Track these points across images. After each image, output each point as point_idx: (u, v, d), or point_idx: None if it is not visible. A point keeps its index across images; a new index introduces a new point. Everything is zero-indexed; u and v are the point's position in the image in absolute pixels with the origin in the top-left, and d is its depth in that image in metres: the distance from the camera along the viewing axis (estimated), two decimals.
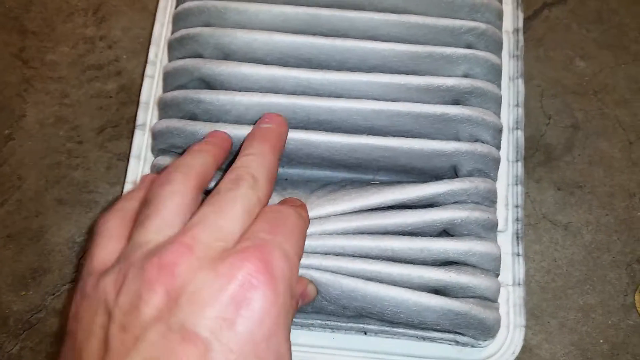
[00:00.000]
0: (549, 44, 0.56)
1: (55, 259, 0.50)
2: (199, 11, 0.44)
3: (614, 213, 0.50)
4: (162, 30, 0.50)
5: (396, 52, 0.42)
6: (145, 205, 0.29)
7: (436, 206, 0.41)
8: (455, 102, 0.42)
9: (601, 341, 0.47)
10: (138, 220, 0.28)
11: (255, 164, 0.31)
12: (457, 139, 0.42)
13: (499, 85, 0.45)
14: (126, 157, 0.48)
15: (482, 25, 0.44)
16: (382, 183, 0.43)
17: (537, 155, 0.52)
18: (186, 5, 0.45)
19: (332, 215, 0.39)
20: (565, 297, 0.48)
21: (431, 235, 0.41)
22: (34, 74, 0.56)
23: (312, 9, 0.43)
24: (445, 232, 0.41)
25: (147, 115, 0.47)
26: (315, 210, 0.39)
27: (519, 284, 0.43)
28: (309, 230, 0.38)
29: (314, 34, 0.43)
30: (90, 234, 0.50)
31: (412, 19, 0.43)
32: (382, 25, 0.43)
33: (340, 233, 0.39)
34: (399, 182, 0.42)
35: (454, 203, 0.40)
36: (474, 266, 0.39)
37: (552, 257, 0.49)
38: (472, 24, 0.43)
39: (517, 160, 0.45)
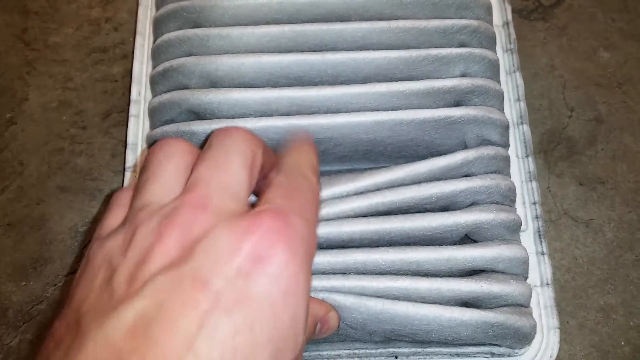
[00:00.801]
0: (573, 34, 0.55)
1: (57, 248, 0.49)
2: (180, 41, 0.44)
3: (637, 210, 0.49)
4: (142, 68, 0.49)
5: (390, 59, 0.42)
6: (141, 170, 0.28)
7: (456, 207, 0.40)
8: (457, 104, 0.42)
9: (622, 343, 0.46)
10: (136, 186, 0.28)
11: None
12: (463, 141, 0.42)
13: (499, 81, 0.44)
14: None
15: (474, 22, 0.43)
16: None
17: (558, 149, 0.51)
18: (165, 37, 0.44)
19: (346, 194, 0.39)
20: (586, 297, 0.47)
21: (453, 240, 0.40)
22: (36, 56, 0.55)
23: (297, 25, 0.43)
24: (466, 236, 0.40)
25: (136, 156, 0.46)
26: (328, 189, 0.39)
27: (547, 284, 0.42)
28: (325, 230, 0.38)
29: (302, 50, 0.42)
30: (94, 225, 0.49)
31: (401, 24, 0.43)
32: (371, 33, 0.43)
33: (359, 237, 0.38)
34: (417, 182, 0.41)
35: (473, 204, 0.40)
36: (502, 272, 0.39)
37: (573, 255, 0.48)
38: (463, 22, 0.43)
39: (527, 156, 0.45)
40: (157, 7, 0.48)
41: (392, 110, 0.41)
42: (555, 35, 0.55)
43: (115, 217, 0.27)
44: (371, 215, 0.39)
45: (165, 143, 0.29)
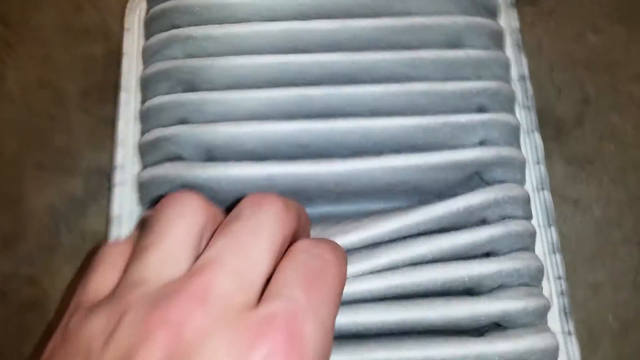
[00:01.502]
0: (560, 18, 0.56)
1: (32, 225, 0.48)
2: (172, 106, 0.40)
3: (625, 189, 0.50)
4: (127, 128, 0.44)
5: (405, 127, 0.39)
6: (144, 230, 0.24)
7: (481, 289, 0.38)
8: (477, 174, 0.40)
9: (610, 319, 0.46)
10: (136, 249, 0.24)
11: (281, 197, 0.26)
12: (484, 222, 0.39)
13: (519, 146, 0.42)
14: (111, 122, 0.46)
15: (493, 85, 0.41)
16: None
17: (546, 129, 0.51)
18: (156, 101, 0.40)
19: (361, 272, 0.36)
20: (574, 273, 0.47)
21: (478, 328, 0.38)
22: (16, 37, 0.55)
23: (303, 89, 0.39)
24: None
25: (122, 231, 0.41)
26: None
27: None
28: (338, 320, 0.33)
29: (308, 115, 0.39)
30: (71, 203, 0.49)
31: (416, 87, 0.40)
32: (383, 97, 0.39)
33: (375, 328, 0.36)
34: (440, 261, 0.38)
35: (500, 287, 0.38)
36: None
37: (561, 232, 0.48)
38: (481, 84, 0.40)
39: (549, 225, 0.42)
40: (145, 62, 0.44)
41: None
42: (543, 19, 0.56)
43: (102, 279, 0.24)
44: (388, 298, 0.36)
45: (179, 198, 0.25)
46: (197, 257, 0.23)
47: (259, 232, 0.23)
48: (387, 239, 0.37)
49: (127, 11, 0.48)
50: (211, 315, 0.20)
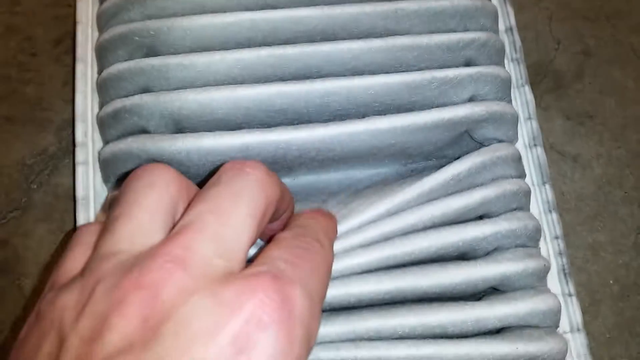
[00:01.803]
0: None
1: (2, 183, 0.45)
2: (133, 74, 0.36)
3: (626, 146, 0.48)
4: (86, 102, 0.40)
5: (389, 84, 0.36)
6: (113, 203, 0.23)
7: (476, 253, 0.36)
8: (467, 132, 0.38)
9: (611, 282, 0.45)
10: (105, 224, 0.23)
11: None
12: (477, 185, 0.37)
13: (510, 100, 0.40)
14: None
15: (482, 35, 0.38)
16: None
17: (545, 82, 0.49)
18: (114, 69, 0.37)
19: (350, 247, 0.34)
20: (574, 234, 0.45)
21: (475, 293, 0.36)
22: None
23: (276, 48, 0.36)
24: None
25: (90, 214, 0.38)
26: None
27: (578, 329, 0.38)
28: (329, 292, 0.33)
29: (282, 78, 0.36)
30: (43, 157, 0.46)
31: (399, 42, 0.37)
32: (364, 54, 0.36)
33: (368, 299, 0.34)
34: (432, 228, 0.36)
35: (496, 249, 0.36)
36: (535, 326, 0.35)
37: (560, 191, 0.46)
38: (470, 35, 0.38)
39: (544, 183, 0.40)
40: (100, 29, 0.40)
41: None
42: None
43: (75, 259, 0.23)
44: (381, 269, 0.34)
45: (148, 169, 0.23)
46: (172, 228, 0.22)
47: (240, 196, 0.22)
48: (377, 219, 0.35)
49: None
50: (190, 275, 0.19)
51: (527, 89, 0.42)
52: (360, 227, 0.35)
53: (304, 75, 0.37)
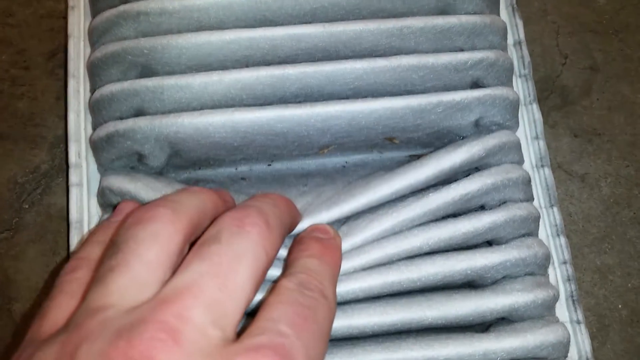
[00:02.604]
0: None
1: None
2: (126, 95, 0.35)
3: (635, 165, 0.47)
4: (79, 120, 0.39)
5: (394, 109, 0.35)
6: (110, 250, 0.22)
7: (484, 281, 0.35)
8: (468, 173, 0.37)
9: (620, 306, 0.43)
10: (98, 272, 0.21)
11: (266, 206, 0.24)
12: (483, 207, 0.37)
13: (517, 122, 0.39)
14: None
15: (491, 55, 0.37)
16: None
17: (552, 98, 0.48)
18: (106, 90, 0.35)
19: (352, 269, 0.33)
20: (581, 257, 0.44)
21: (483, 325, 0.35)
22: None
23: (275, 68, 0.34)
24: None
25: (84, 238, 0.37)
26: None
27: (587, 359, 0.37)
28: None
29: (282, 99, 0.35)
30: (35, 175, 0.45)
31: (405, 61, 0.35)
32: (368, 74, 0.35)
33: (371, 332, 0.33)
34: (438, 253, 0.35)
35: (505, 278, 0.35)
36: (544, 358, 0.34)
37: (567, 212, 0.45)
38: (478, 55, 0.36)
39: (551, 206, 0.39)
40: (92, 45, 0.39)
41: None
42: None
43: (59, 308, 0.21)
44: (384, 296, 0.33)
45: (151, 216, 0.22)
46: (168, 280, 0.21)
47: (242, 258, 0.21)
48: (380, 237, 0.34)
49: None
50: (183, 349, 0.18)
51: (535, 106, 0.41)
52: (363, 247, 0.34)
53: (305, 95, 0.36)
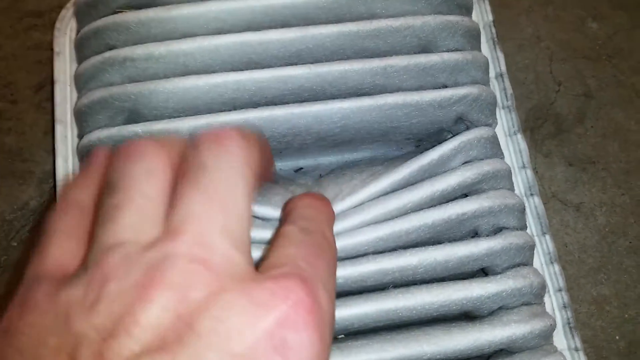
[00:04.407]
0: (559, 3, 0.52)
1: None
2: (114, 143, 0.35)
3: (630, 193, 0.47)
4: (67, 165, 0.39)
5: (375, 158, 0.37)
6: (109, 190, 0.22)
7: (480, 312, 0.35)
8: (464, 196, 0.37)
9: (617, 337, 0.43)
10: (101, 212, 0.21)
11: (240, 128, 0.24)
12: (476, 234, 0.37)
13: (502, 155, 0.39)
14: None
15: (474, 90, 0.37)
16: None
17: (546, 126, 0.48)
18: (94, 136, 0.35)
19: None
20: (577, 288, 0.44)
21: (482, 357, 0.35)
22: None
23: (264, 110, 0.35)
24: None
25: None
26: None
27: None
28: None
29: (272, 137, 0.36)
30: (24, 212, 0.44)
31: (390, 99, 0.36)
32: (353, 113, 0.36)
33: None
34: (435, 282, 0.35)
35: (501, 308, 0.35)
36: None
37: (563, 242, 0.45)
38: (462, 91, 0.37)
39: (543, 234, 0.39)
40: (78, 90, 0.39)
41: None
42: (541, 3, 0.52)
43: (62, 248, 0.21)
44: (380, 322, 0.34)
45: (141, 152, 0.22)
46: (170, 212, 0.21)
47: (231, 177, 0.22)
48: (374, 247, 0.34)
49: (55, 32, 0.43)
50: (216, 274, 0.19)
51: (520, 137, 0.41)
52: (358, 259, 0.34)
53: (293, 135, 0.36)
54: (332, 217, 0.27)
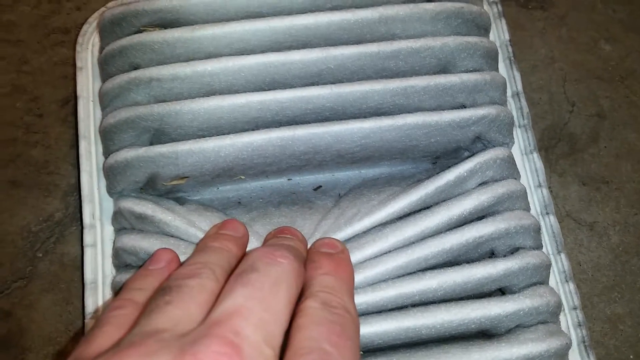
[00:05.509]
0: (572, 24, 0.52)
1: (6, 250, 0.44)
2: (140, 163, 0.36)
3: None
4: (92, 181, 0.40)
5: (392, 178, 0.38)
6: (164, 291, 0.24)
7: (497, 330, 0.35)
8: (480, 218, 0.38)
9: (631, 356, 0.43)
10: (152, 305, 0.23)
11: (290, 241, 0.27)
12: (493, 254, 0.37)
13: (518, 175, 0.39)
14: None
15: (492, 111, 0.37)
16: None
17: (560, 146, 0.48)
18: (121, 157, 0.37)
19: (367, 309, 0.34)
20: (591, 306, 0.44)
21: None
22: None
23: (285, 130, 0.35)
24: None
25: (98, 298, 0.38)
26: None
27: None
28: None
29: (293, 155, 0.36)
30: (49, 224, 0.45)
31: (410, 120, 0.36)
32: (374, 133, 0.36)
33: None
34: (453, 301, 0.36)
35: (518, 327, 0.36)
36: None
37: (577, 261, 0.45)
38: (480, 112, 0.37)
39: (559, 252, 0.40)
40: (103, 108, 0.39)
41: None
42: (555, 25, 0.52)
43: (107, 335, 0.23)
44: (399, 340, 0.34)
45: (200, 273, 0.24)
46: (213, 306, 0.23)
47: (279, 284, 0.23)
48: (394, 275, 0.35)
49: (77, 47, 0.43)
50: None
51: (536, 155, 0.41)
52: (379, 284, 0.34)
53: (314, 152, 0.37)
54: (352, 281, 0.28)
